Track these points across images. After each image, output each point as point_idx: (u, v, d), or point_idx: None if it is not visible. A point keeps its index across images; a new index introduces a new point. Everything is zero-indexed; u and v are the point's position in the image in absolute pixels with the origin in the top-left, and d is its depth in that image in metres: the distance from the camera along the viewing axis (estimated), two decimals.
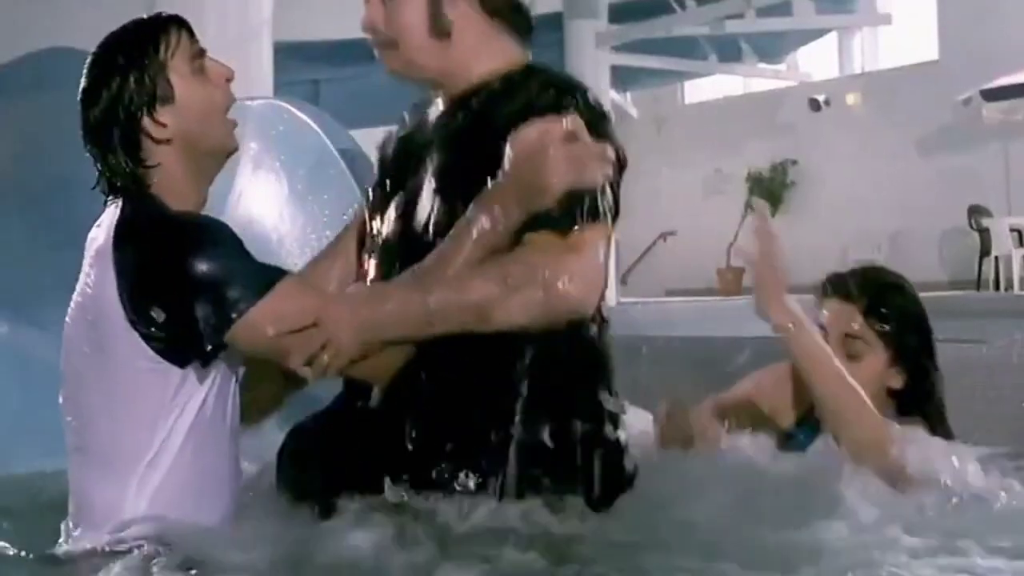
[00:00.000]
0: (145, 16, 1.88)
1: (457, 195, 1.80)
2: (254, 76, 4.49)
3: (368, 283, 1.96)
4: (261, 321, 1.67)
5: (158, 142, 1.81)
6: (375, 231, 2.00)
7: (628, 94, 13.67)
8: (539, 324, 1.73)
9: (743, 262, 2.15)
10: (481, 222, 1.73)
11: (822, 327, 2.17)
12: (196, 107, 1.83)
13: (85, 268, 1.81)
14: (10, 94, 3.90)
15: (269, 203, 3.11)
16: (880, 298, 2.18)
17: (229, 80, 1.88)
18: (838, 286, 2.21)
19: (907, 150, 12.91)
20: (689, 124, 15.48)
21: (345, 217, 3.16)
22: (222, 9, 4.53)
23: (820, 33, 13.53)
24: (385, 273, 1.91)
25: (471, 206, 1.75)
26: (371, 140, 3.50)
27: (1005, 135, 12.11)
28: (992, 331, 2.97)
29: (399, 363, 1.80)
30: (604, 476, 1.82)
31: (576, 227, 1.73)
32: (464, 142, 1.87)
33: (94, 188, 1.87)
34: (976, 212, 11.58)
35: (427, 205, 1.86)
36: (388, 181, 2.00)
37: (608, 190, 1.77)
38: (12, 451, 2.65)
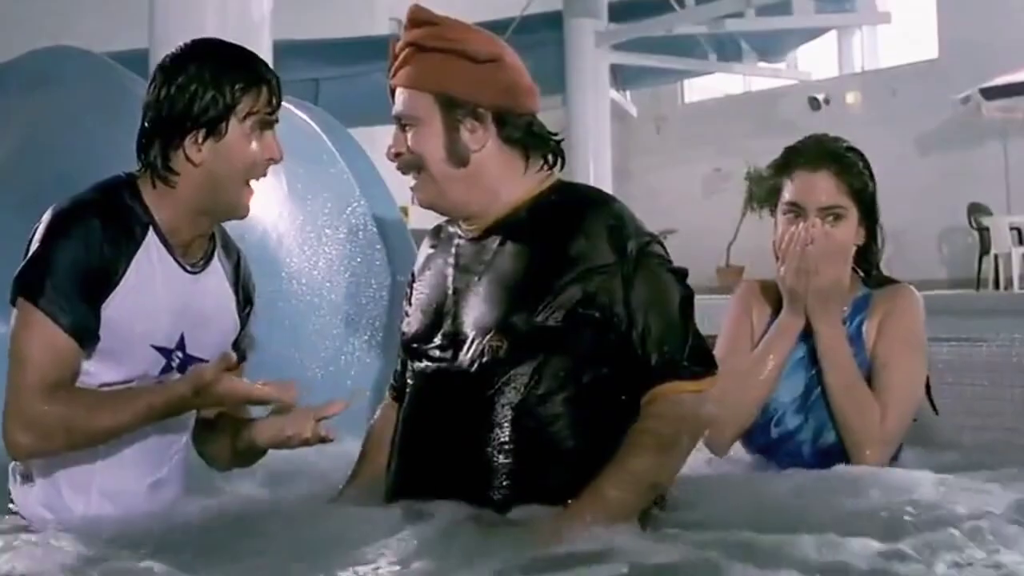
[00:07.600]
0: (248, 54, 1.97)
1: (497, 323, 1.87)
2: None
3: None
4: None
5: (187, 159, 1.89)
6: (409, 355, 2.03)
7: (628, 93, 13.64)
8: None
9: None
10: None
11: (793, 204, 2.24)
12: (232, 160, 1.90)
13: None
14: (10, 92, 3.89)
15: (269, 202, 3.10)
16: (844, 161, 2.29)
17: (272, 161, 1.95)
18: (806, 158, 2.29)
19: (907, 149, 12.91)
20: (689, 123, 15.47)
21: (345, 216, 3.16)
22: (222, 7, 4.51)
23: (820, 32, 13.51)
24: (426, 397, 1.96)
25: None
26: (371, 140, 3.50)
27: (1004, 133, 12.11)
28: (992, 330, 2.97)
29: None
30: None
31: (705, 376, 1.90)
32: (505, 270, 1.91)
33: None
34: (976, 210, 11.56)
35: (469, 331, 1.91)
36: (419, 306, 2.04)
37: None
38: None
